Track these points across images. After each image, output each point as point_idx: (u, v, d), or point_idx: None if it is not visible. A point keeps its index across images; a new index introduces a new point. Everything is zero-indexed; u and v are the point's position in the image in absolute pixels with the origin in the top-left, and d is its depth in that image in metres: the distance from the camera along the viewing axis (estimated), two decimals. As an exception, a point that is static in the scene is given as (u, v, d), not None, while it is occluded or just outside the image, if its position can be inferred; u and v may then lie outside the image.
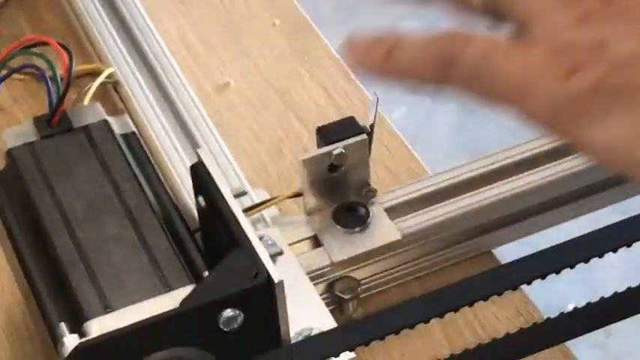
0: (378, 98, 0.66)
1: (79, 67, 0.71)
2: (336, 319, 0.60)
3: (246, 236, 0.54)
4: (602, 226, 0.63)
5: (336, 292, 0.63)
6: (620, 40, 0.45)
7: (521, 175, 0.69)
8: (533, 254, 0.61)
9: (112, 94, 0.71)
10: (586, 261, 0.61)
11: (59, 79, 0.62)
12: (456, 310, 0.58)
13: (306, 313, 0.59)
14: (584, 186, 0.71)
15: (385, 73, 0.49)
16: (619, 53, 0.44)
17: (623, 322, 0.64)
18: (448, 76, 0.46)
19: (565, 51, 0.45)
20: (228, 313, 0.52)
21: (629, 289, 0.63)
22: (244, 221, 0.55)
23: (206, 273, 0.55)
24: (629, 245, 0.61)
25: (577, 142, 0.46)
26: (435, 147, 1.92)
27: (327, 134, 0.62)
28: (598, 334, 0.64)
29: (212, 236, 0.58)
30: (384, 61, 0.48)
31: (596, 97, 0.44)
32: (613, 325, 0.65)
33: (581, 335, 0.62)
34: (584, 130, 0.45)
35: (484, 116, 1.99)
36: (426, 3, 0.52)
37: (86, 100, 0.67)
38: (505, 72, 0.46)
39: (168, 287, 0.54)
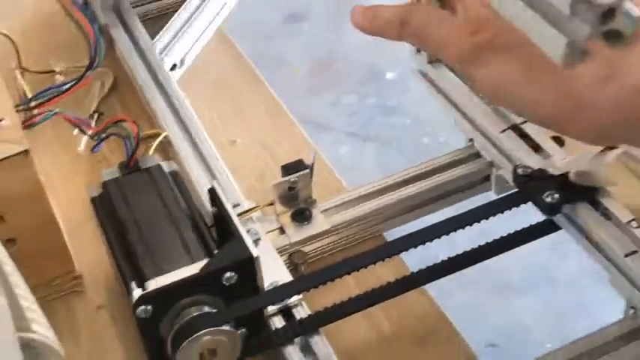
0: (315, 151, 0.68)
1: (146, 132, 0.73)
2: (294, 277, 0.60)
3: (239, 231, 0.55)
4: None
5: (293, 260, 0.63)
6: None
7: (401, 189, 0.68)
8: (408, 235, 0.60)
9: (166, 147, 0.72)
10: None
11: (133, 140, 0.64)
12: (359, 269, 0.58)
13: (275, 273, 0.59)
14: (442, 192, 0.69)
15: (370, 29, 0.51)
16: (504, 23, 0.41)
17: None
18: (403, 34, 0.48)
19: (472, 20, 0.45)
20: (228, 274, 0.53)
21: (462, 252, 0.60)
22: (237, 221, 0.56)
23: (216, 251, 0.55)
24: (470, 225, 0.60)
25: (470, 80, 0.47)
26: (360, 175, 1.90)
27: (287, 169, 0.64)
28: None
29: (221, 230, 0.59)
30: (370, 22, 0.50)
31: (485, 50, 0.44)
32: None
33: (433, 281, 0.59)
34: (474, 71, 0.45)
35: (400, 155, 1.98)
36: None
37: (151, 152, 0.68)
38: (435, 33, 0.47)
39: (192, 260, 0.54)
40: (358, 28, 0.52)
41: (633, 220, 0.58)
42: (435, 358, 0.59)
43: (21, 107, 0.72)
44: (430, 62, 0.72)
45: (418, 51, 0.73)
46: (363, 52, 2.18)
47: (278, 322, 0.58)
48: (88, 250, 0.66)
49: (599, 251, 0.59)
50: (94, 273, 0.65)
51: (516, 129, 0.66)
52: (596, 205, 0.60)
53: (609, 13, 0.27)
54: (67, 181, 0.73)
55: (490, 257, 0.61)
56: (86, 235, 0.67)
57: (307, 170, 0.64)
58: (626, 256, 0.57)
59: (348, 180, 0.73)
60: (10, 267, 0.47)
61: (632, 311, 0.58)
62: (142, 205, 0.59)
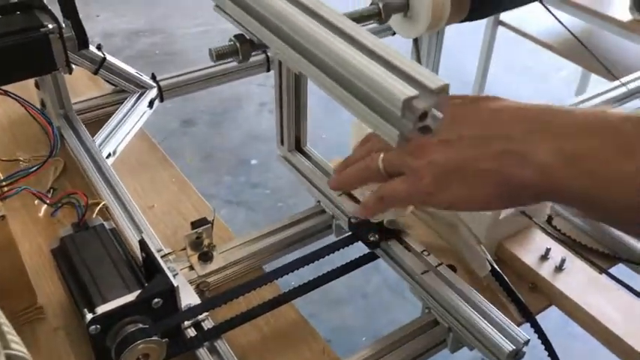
0: (214, 210, 0.68)
1: (92, 201, 0.69)
2: (201, 300, 0.58)
3: (163, 268, 0.53)
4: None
5: (200, 288, 0.61)
6: (438, 159, 0.41)
7: (272, 236, 0.66)
8: (279, 267, 0.60)
9: (104, 212, 0.69)
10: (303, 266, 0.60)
11: (83, 207, 0.61)
12: (247, 293, 0.58)
13: (188, 298, 0.57)
14: (300, 237, 0.68)
15: (367, 215, 0.49)
16: (438, 167, 0.41)
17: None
18: (384, 206, 0.47)
19: (414, 174, 0.43)
20: (156, 300, 0.52)
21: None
22: (161, 261, 0.54)
23: (146, 284, 0.53)
24: (321, 258, 0.60)
25: (432, 206, 0.47)
26: (236, 228, 1.91)
27: (194, 224, 0.62)
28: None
29: (148, 269, 0.56)
30: (365, 211, 0.48)
31: (435, 188, 0.42)
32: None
33: (297, 297, 0.59)
34: (433, 200, 0.43)
35: (262, 214, 1.97)
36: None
37: (94, 215, 0.66)
38: (402, 196, 0.45)
39: (129, 290, 0.52)
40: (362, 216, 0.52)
41: (424, 250, 0.60)
42: (301, 346, 0.59)
43: (-3, 186, 0.67)
44: (290, 151, 0.72)
45: (282, 142, 0.73)
46: (235, 146, 2.19)
47: (191, 332, 0.56)
48: (46, 285, 0.62)
49: (404, 271, 0.60)
50: (51, 303, 0.61)
51: (347, 193, 0.66)
52: (401, 241, 0.62)
53: (423, 115, 0.28)
54: (30, 237, 0.68)
55: (331, 280, 0.60)
56: (44, 276, 0.63)
57: (209, 224, 0.63)
58: (422, 273, 0.59)
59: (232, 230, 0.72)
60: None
61: (427, 310, 0.60)
62: (90, 253, 0.56)
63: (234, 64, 0.93)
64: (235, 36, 0.39)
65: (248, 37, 0.39)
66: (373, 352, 0.55)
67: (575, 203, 0.39)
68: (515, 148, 0.39)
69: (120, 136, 0.81)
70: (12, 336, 0.43)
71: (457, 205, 0.43)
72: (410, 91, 0.28)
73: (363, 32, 0.31)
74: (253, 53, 0.42)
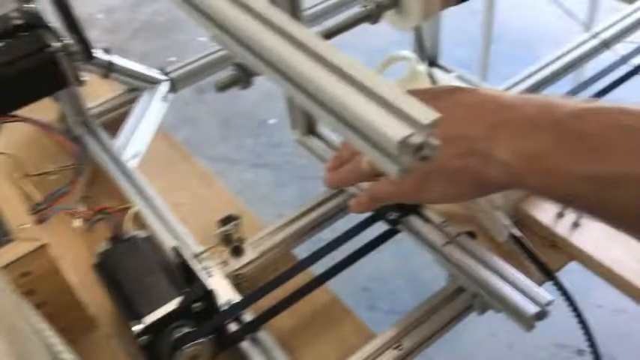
0: (242, 211, 0.69)
1: (119, 207, 0.72)
2: (239, 292, 0.60)
3: (197, 273, 0.56)
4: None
5: (236, 281, 0.63)
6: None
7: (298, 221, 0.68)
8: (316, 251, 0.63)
9: (137, 216, 0.71)
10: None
11: (116, 221, 0.64)
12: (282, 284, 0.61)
13: (226, 293, 0.59)
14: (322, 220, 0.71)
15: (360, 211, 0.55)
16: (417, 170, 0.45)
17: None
18: (374, 204, 0.54)
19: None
20: (195, 305, 0.54)
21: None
22: (196, 267, 0.57)
23: (186, 290, 0.55)
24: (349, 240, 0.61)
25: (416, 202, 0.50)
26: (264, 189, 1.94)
27: (223, 222, 0.64)
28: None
29: (185, 273, 0.58)
30: (358, 207, 0.54)
31: (417, 189, 0.46)
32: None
33: (328, 280, 0.60)
34: (417, 199, 0.49)
35: (289, 174, 1.97)
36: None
37: (128, 226, 0.68)
38: (390, 194, 0.49)
39: (170, 298, 0.54)
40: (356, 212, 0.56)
41: (444, 221, 0.62)
42: (337, 326, 0.62)
43: (35, 211, 0.70)
44: (304, 135, 0.74)
45: (295, 127, 0.74)
46: (251, 108, 2.19)
47: (233, 327, 0.59)
48: (96, 296, 0.64)
49: (426, 244, 0.62)
50: (102, 312, 0.64)
51: None
52: (420, 214, 0.63)
53: (419, 148, 0.30)
54: (71, 249, 0.71)
55: (361, 257, 0.62)
56: (92, 287, 0.65)
57: (237, 220, 0.65)
58: (444, 245, 0.61)
59: (259, 193, 0.72)
60: (48, 331, 0.47)
61: (452, 278, 0.62)
62: (129, 266, 0.60)
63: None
64: (234, 64, 0.41)
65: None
66: (408, 324, 0.58)
67: (543, 197, 0.42)
68: (480, 147, 0.41)
69: (139, 136, 0.83)
70: (60, 346, 0.47)
71: (437, 201, 0.47)
72: (404, 131, 0.29)
73: (356, 66, 0.33)
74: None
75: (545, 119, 0.39)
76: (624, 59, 0.77)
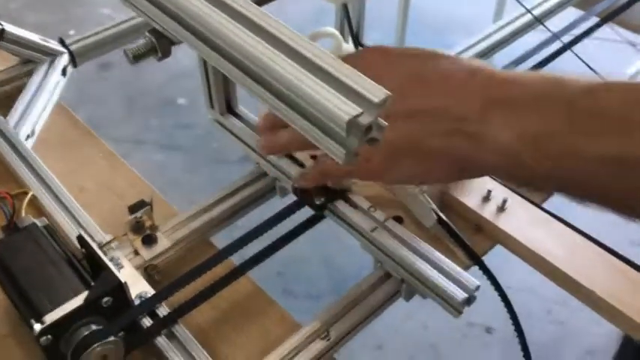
0: (152, 191, 0.64)
1: (17, 191, 0.65)
2: (151, 284, 0.56)
3: (107, 265, 0.51)
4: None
5: (148, 271, 0.59)
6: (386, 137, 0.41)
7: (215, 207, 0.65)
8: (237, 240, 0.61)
9: (34, 202, 0.65)
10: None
11: (9, 208, 0.58)
12: (200, 275, 0.57)
13: (138, 286, 0.55)
14: (244, 204, 0.67)
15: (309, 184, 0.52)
16: (387, 145, 0.40)
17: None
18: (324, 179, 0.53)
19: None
20: (105, 299, 0.50)
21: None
22: (104, 258, 0.52)
23: (92, 283, 0.51)
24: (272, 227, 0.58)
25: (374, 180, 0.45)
26: (172, 172, 1.86)
27: (133, 208, 0.60)
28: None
29: (91, 264, 0.54)
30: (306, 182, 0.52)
31: (384, 167, 0.41)
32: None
33: (250, 269, 0.57)
34: (381, 179, 0.44)
35: (200, 157, 1.92)
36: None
37: (23, 213, 0.62)
38: (333, 172, 0.48)
39: (75, 293, 0.49)
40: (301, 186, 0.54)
41: (371, 206, 0.60)
42: (259, 316, 0.59)
43: None
44: (222, 114, 0.70)
45: (212, 106, 0.70)
46: (159, 86, 2.10)
47: (147, 322, 0.55)
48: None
49: (354, 229, 0.60)
50: (-5, 309, 0.58)
51: (288, 155, 0.64)
52: (347, 199, 0.61)
53: (368, 129, 0.27)
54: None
55: (286, 244, 0.60)
56: None
57: (148, 206, 0.60)
58: (372, 231, 0.59)
59: (168, 177, 0.68)
60: None
61: (379, 264, 0.60)
62: (27, 257, 0.53)
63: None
64: (150, 31, 0.36)
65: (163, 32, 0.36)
66: (335, 312, 0.56)
67: (546, 183, 0.38)
68: (470, 128, 0.36)
69: (36, 113, 0.76)
70: None
71: (410, 181, 0.42)
72: (353, 110, 0.26)
73: (296, 37, 0.29)
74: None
75: (552, 96, 0.34)
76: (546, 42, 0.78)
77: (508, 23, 0.89)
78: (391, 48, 0.41)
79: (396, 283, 0.59)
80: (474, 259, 0.59)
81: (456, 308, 0.54)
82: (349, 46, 0.68)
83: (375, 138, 0.27)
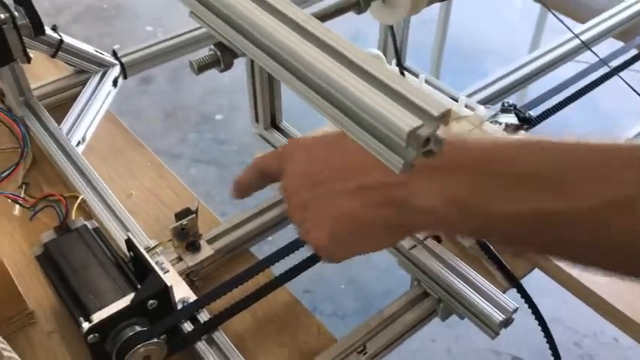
0: (197, 200, 0.65)
1: (68, 194, 0.67)
2: (193, 290, 0.57)
3: (154, 268, 0.52)
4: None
5: (190, 278, 0.61)
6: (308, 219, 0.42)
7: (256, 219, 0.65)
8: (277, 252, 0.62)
9: (83, 206, 0.67)
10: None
11: (62, 209, 0.60)
12: (241, 284, 0.58)
13: (181, 291, 0.56)
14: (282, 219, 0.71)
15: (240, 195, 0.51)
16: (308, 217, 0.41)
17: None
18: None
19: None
20: (150, 301, 0.51)
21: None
22: (151, 261, 0.53)
23: (139, 286, 0.52)
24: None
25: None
26: (208, 187, 1.88)
27: (179, 215, 0.61)
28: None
29: (138, 267, 0.55)
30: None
31: (328, 247, 0.42)
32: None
33: (289, 281, 0.58)
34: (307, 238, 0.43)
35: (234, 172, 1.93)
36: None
37: (73, 216, 0.64)
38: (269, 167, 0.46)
39: (122, 294, 0.51)
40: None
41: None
42: (296, 328, 0.59)
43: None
44: (266, 128, 0.71)
45: (257, 120, 0.72)
46: (197, 102, 2.14)
47: (188, 326, 0.56)
48: (35, 289, 0.61)
49: (392, 247, 0.61)
50: (42, 307, 0.60)
51: None
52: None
53: (426, 142, 0.28)
54: (9, 238, 0.66)
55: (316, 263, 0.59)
56: (31, 279, 0.62)
57: (193, 214, 0.62)
58: (410, 248, 0.60)
59: (202, 190, 0.70)
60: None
61: (416, 283, 0.61)
62: (77, 258, 0.55)
63: (199, 32, 0.89)
64: (215, 45, 0.38)
65: (228, 45, 0.38)
66: (368, 330, 0.57)
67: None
68: (398, 196, 0.37)
69: (87, 121, 0.79)
70: (2, 344, 0.42)
71: (358, 254, 0.43)
72: (414, 121, 0.27)
73: (358, 52, 0.31)
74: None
75: (467, 159, 0.36)
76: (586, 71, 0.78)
77: (545, 53, 0.90)
78: (309, 138, 0.43)
79: (433, 302, 0.59)
80: (512, 281, 0.59)
81: (493, 329, 0.54)
82: (394, 68, 0.70)
83: (432, 151, 0.28)
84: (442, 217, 0.36)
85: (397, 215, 0.38)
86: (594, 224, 0.31)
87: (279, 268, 0.60)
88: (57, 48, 0.79)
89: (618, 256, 0.32)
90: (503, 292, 0.58)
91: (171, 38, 0.90)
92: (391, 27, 0.66)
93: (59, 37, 0.79)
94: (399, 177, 0.33)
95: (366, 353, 0.54)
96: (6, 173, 0.68)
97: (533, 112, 0.72)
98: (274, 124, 0.72)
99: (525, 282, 0.60)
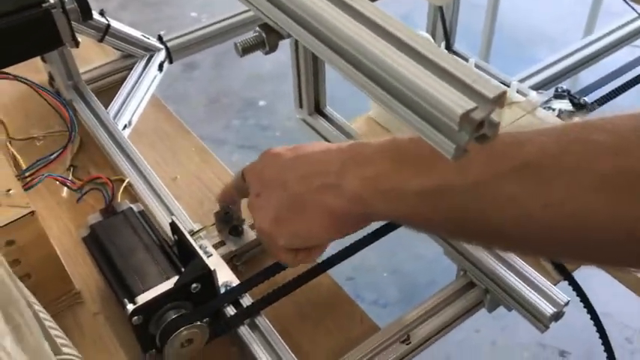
0: None
1: (114, 177, 0.68)
2: (236, 274, 0.58)
3: (198, 252, 0.52)
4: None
5: (233, 262, 0.61)
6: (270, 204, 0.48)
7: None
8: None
9: (129, 189, 0.68)
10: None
11: (109, 192, 0.60)
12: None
13: (224, 275, 0.57)
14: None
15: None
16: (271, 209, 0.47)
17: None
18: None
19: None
20: (194, 285, 0.51)
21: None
22: (195, 245, 0.53)
23: (183, 269, 0.52)
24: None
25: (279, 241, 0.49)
26: None
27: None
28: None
29: (182, 251, 0.55)
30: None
31: (274, 228, 0.48)
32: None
33: (331, 268, 0.57)
34: (275, 241, 0.48)
35: None
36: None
37: (119, 198, 0.65)
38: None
39: (167, 277, 0.51)
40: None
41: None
42: (338, 315, 0.59)
43: (21, 177, 0.66)
44: (310, 114, 0.71)
45: (300, 106, 0.71)
46: (240, 88, 2.15)
47: (230, 311, 0.56)
48: (81, 270, 0.62)
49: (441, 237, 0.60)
50: (88, 287, 0.61)
51: None
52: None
53: (480, 125, 0.27)
54: (57, 220, 0.67)
55: (366, 246, 0.59)
56: (77, 260, 0.63)
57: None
58: (456, 237, 0.58)
59: None
60: (38, 305, 0.44)
61: (462, 273, 0.60)
62: (122, 240, 0.56)
63: (243, 16, 0.89)
64: (260, 26, 0.37)
65: (274, 27, 0.37)
66: (414, 319, 0.56)
67: (394, 221, 0.47)
68: (331, 181, 0.43)
69: (134, 105, 0.79)
70: (61, 339, 0.43)
71: (297, 241, 0.47)
72: (467, 104, 0.26)
73: (410, 33, 0.29)
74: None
75: (386, 147, 0.42)
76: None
77: (600, 37, 0.86)
78: (282, 150, 0.51)
79: (480, 293, 0.58)
80: (564, 274, 0.57)
81: (543, 323, 0.52)
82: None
83: (486, 135, 0.27)
84: (365, 201, 0.42)
85: (334, 199, 0.43)
86: (484, 196, 0.36)
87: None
88: (104, 32, 0.80)
89: (511, 232, 0.36)
90: (555, 285, 0.56)
91: (216, 23, 0.90)
92: (441, 8, 0.65)
93: (107, 22, 0.80)
94: (337, 168, 0.43)
95: (409, 343, 0.54)
96: (54, 156, 0.69)
97: (588, 99, 0.70)
98: (318, 109, 0.71)
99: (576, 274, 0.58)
